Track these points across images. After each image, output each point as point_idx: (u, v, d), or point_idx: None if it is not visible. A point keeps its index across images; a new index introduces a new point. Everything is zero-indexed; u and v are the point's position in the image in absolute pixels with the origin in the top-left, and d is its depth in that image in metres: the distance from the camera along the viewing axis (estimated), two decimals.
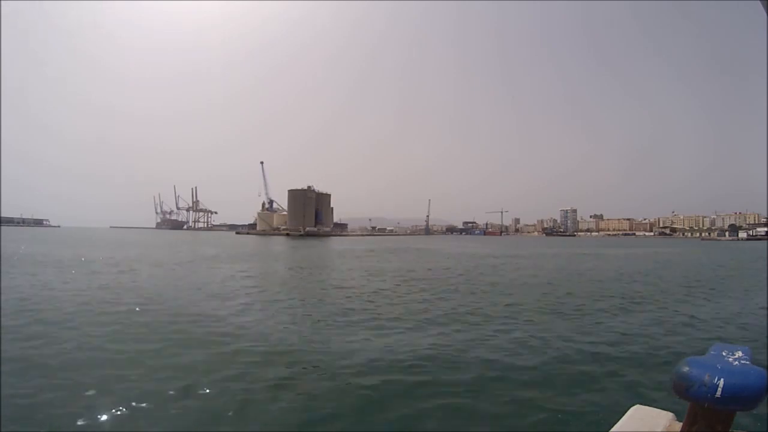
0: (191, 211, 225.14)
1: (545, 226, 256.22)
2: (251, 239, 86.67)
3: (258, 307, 11.12)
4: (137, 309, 10.33)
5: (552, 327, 9.12)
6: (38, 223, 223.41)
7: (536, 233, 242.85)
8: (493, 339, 8.07)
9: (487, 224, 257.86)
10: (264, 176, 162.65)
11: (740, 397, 1.08)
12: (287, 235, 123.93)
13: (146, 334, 8.07)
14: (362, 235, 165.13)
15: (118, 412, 4.71)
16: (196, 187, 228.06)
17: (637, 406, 1.57)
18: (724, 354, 1.22)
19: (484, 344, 7.67)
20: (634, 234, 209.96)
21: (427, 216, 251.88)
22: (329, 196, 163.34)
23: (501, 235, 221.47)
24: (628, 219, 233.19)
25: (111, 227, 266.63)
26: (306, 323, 9.39)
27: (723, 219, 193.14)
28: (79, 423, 4.48)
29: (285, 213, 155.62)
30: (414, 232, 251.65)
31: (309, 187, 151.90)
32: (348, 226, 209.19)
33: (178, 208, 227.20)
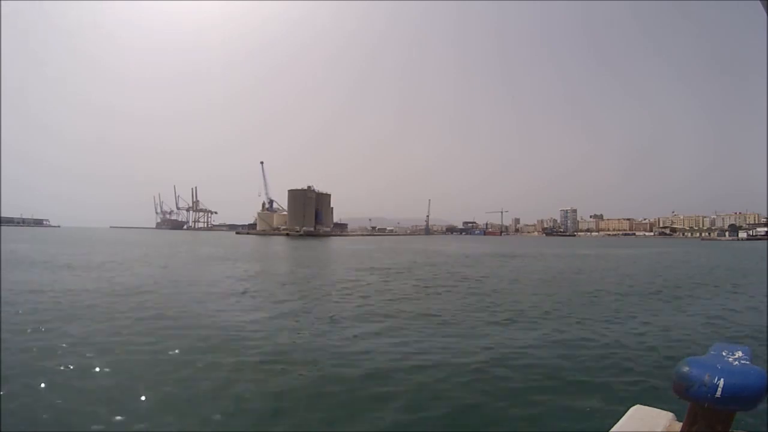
0: (191, 211, 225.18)
1: (545, 226, 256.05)
2: (251, 239, 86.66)
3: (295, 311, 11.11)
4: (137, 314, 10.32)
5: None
6: (38, 223, 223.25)
7: (536, 233, 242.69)
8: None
9: (487, 224, 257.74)
10: (264, 176, 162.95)
11: (740, 397, 1.07)
12: (287, 235, 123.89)
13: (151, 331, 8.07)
14: (362, 235, 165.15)
15: (113, 409, 4.72)
16: (196, 187, 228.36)
17: (637, 406, 1.56)
18: (724, 354, 1.22)
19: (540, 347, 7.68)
20: (634, 234, 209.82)
21: (427, 216, 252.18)
22: (329, 196, 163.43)
23: (501, 235, 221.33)
24: (628, 219, 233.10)
25: (111, 227, 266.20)
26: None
27: (723, 219, 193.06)
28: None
29: (285, 213, 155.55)
30: (414, 232, 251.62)
31: (309, 187, 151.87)
32: (348, 226, 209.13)
33: (178, 208, 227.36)
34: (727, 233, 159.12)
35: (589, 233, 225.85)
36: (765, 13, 1.38)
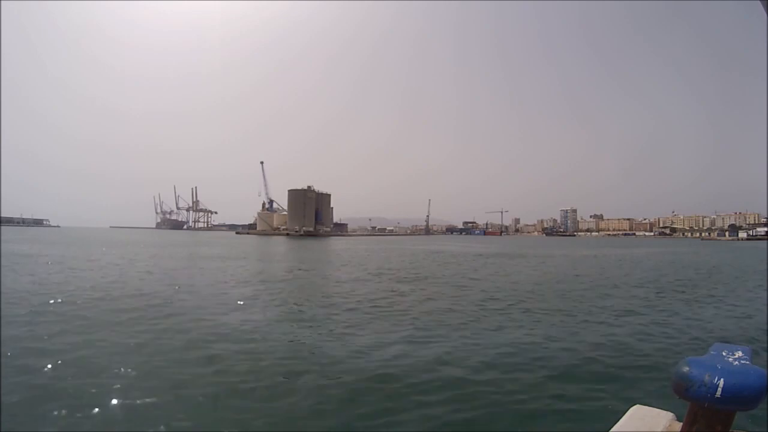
0: (191, 211, 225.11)
1: (545, 226, 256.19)
2: (251, 239, 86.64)
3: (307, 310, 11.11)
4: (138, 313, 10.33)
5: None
6: (38, 223, 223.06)
7: (536, 233, 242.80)
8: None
9: (487, 224, 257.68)
10: (264, 176, 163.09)
11: (740, 397, 1.08)
12: (287, 235, 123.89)
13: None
14: (362, 235, 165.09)
15: (109, 407, 4.71)
16: (196, 187, 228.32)
17: (637, 406, 1.56)
18: (724, 354, 1.22)
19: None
20: (634, 234, 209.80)
21: (427, 216, 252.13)
22: (329, 196, 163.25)
23: (501, 235, 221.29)
24: (628, 219, 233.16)
25: (111, 227, 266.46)
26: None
27: (723, 219, 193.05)
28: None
29: (285, 213, 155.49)
30: (414, 232, 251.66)
31: (309, 187, 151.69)
32: (348, 226, 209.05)
33: (178, 208, 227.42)
34: (727, 233, 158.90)
35: (589, 233, 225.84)
36: (765, 13, 1.38)
